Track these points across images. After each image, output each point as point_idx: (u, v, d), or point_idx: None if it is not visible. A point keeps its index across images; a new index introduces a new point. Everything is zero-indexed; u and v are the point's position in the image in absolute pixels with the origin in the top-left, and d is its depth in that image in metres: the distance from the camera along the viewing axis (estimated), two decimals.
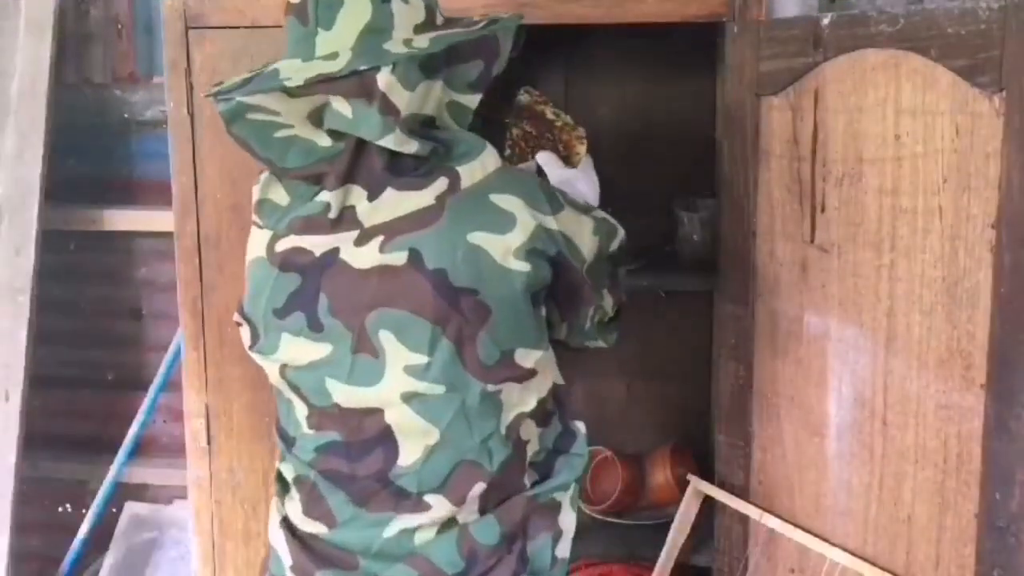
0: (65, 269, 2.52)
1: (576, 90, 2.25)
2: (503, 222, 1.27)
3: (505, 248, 1.27)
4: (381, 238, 1.28)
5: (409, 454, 1.32)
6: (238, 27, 1.86)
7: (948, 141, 1.40)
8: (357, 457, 1.33)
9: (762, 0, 1.76)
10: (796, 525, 1.72)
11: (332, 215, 1.29)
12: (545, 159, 1.58)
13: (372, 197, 1.28)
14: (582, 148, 1.60)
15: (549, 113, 1.63)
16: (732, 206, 1.81)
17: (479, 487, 1.33)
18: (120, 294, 2.56)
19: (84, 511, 2.53)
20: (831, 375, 1.64)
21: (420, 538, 1.34)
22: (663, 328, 2.25)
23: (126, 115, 2.51)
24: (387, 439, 1.32)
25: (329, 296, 1.30)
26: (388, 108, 1.26)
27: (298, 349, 1.33)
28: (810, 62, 1.62)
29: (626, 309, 1.54)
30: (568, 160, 1.60)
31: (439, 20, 1.36)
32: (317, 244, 1.30)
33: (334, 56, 1.28)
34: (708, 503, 1.91)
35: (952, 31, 1.38)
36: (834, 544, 1.65)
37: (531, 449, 1.38)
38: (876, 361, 1.55)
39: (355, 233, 1.29)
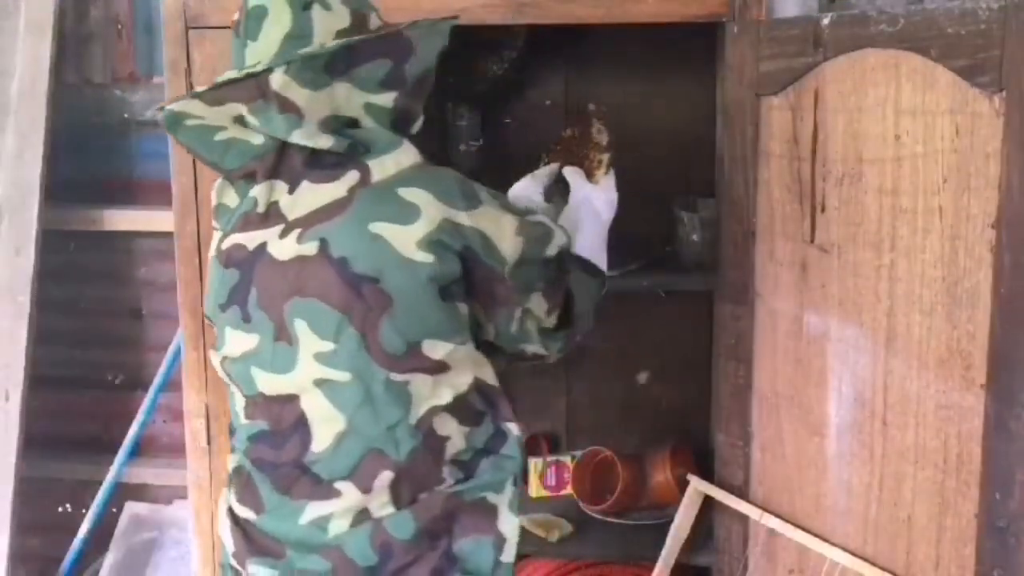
0: (65, 269, 2.52)
1: (576, 90, 2.25)
2: (407, 214, 1.31)
3: (407, 239, 1.30)
4: (300, 230, 1.34)
5: (321, 441, 1.35)
6: None
7: (948, 141, 1.40)
8: (279, 444, 1.38)
9: (762, 0, 1.76)
10: (796, 525, 1.72)
11: (260, 210, 1.37)
12: (570, 171, 1.63)
13: (291, 191, 1.36)
14: (599, 173, 1.62)
15: (594, 129, 1.65)
16: (732, 206, 1.81)
17: (386, 475, 1.34)
18: (120, 294, 2.56)
19: (84, 511, 2.53)
20: (831, 375, 1.64)
21: (334, 529, 1.35)
22: (663, 328, 2.25)
23: (126, 115, 2.50)
24: (302, 426, 1.36)
25: (258, 288, 1.37)
26: (286, 106, 1.33)
27: (235, 341, 1.40)
28: (810, 62, 1.62)
29: (596, 320, 1.52)
30: (589, 176, 1.63)
31: (373, 25, 1.42)
32: (251, 239, 1.38)
33: (256, 65, 1.35)
34: (708, 503, 1.91)
35: (952, 31, 1.38)
36: (834, 544, 1.65)
37: (454, 446, 1.38)
38: (876, 361, 1.55)
39: (280, 227, 1.36)
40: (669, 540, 1.91)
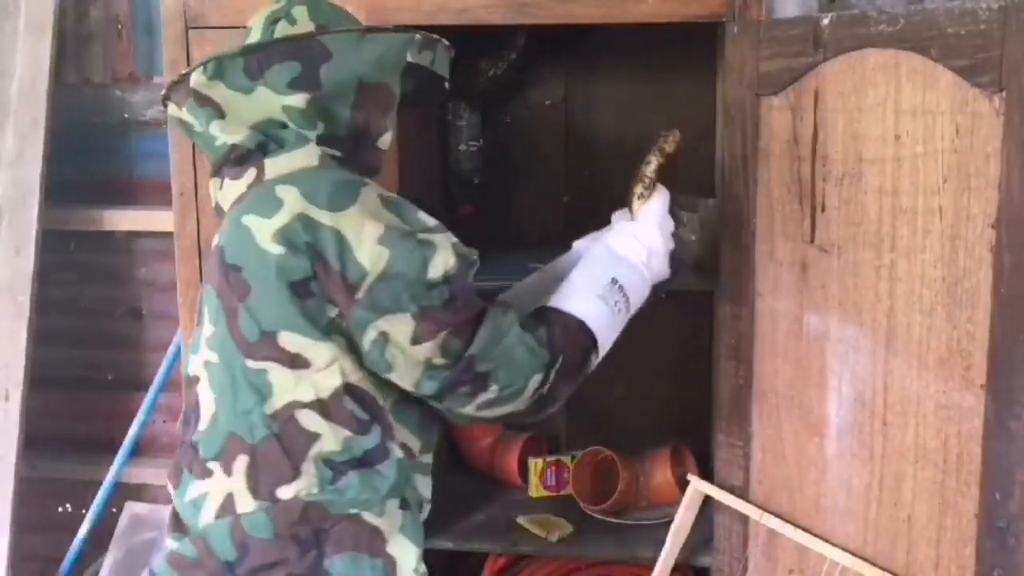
0: (65, 269, 2.52)
1: (576, 90, 2.25)
2: (272, 207, 1.35)
3: (266, 231, 1.34)
4: (222, 221, 1.45)
5: (204, 421, 1.41)
6: (238, 27, 1.85)
7: (948, 141, 1.40)
8: (188, 424, 1.46)
9: (762, 0, 1.76)
10: (796, 525, 1.72)
11: (213, 204, 1.49)
12: (617, 214, 1.61)
13: (221, 187, 1.46)
14: (634, 206, 1.57)
15: (644, 160, 1.59)
16: (732, 206, 1.81)
17: (242, 459, 1.37)
18: (120, 294, 2.56)
19: (84, 511, 2.54)
20: (831, 375, 1.64)
21: (204, 519, 1.38)
22: (663, 328, 2.25)
23: (126, 115, 2.51)
24: (198, 406, 1.42)
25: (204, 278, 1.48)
26: (204, 102, 1.42)
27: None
28: (810, 62, 1.62)
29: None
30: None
31: None
32: (217, 231, 1.47)
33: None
34: (708, 503, 1.91)
35: (952, 31, 1.38)
36: (834, 544, 1.65)
37: (324, 445, 1.36)
38: (876, 361, 1.55)
39: (223, 219, 1.46)
40: (669, 540, 1.91)
